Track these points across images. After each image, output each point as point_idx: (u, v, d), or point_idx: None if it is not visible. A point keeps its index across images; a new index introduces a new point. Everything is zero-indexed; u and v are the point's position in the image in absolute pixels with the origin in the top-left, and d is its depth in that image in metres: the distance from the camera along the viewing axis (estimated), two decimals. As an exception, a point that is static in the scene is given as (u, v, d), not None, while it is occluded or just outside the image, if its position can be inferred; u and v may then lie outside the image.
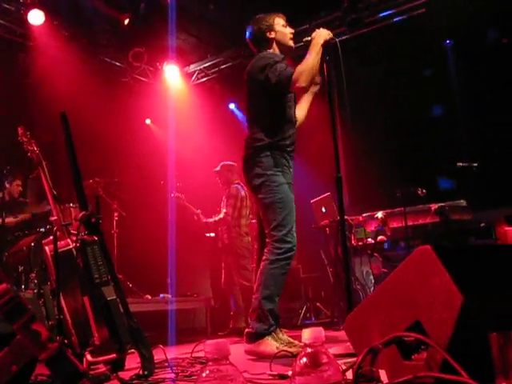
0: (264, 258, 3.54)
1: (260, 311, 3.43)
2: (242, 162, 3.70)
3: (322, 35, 3.51)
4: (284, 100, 3.67)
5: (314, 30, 3.58)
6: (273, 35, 3.73)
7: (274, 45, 3.75)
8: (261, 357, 3.30)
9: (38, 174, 3.44)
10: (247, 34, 3.85)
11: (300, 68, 3.44)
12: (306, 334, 1.24)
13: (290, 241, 3.50)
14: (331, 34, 3.53)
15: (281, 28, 3.76)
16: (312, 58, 3.45)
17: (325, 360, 1.18)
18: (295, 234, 3.56)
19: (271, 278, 3.46)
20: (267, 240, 3.57)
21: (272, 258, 3.48)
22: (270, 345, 3.34)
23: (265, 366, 2.59)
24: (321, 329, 1.23)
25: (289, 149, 3.68)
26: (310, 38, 3.56)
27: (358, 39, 7.51)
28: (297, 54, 3.81)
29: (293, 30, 3.82)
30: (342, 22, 7.38)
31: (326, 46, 3.50)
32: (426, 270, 1.58)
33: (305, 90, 3.63)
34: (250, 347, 3.43)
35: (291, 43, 3.78)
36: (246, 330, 3.51)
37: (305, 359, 1.19)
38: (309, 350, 1.21)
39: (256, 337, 3.41)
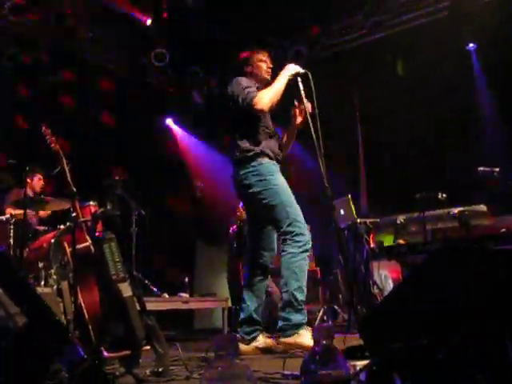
0: (285, 253, 3.70)
1: (295, 303, 3.59)
2: (234, 175, 3.91)
3: (289, 69, 3.88)
4: (257, 117, 3.91)
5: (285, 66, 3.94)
6: (249, 69, 4.12)
7: (251, 75, 4.09)
8: (302, 349, 3.38)
9: (59, 171, 3.48)
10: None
11: (261, 93, 3.80)
12: (316, 331, 1.24)
13: (306, 234, 3.74)
14: (299, 69, 3.88)
15: (258, 63, 4.13)
16: (275, 86, 3.83)
17: (333, 358, 1.17)
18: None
19: (299, 269, 3.65)
20: (283, 237, 3.76)
21: (296, 251, 3.67)
22: (307, 336, 3.47)
23: (279, 365, 2.57)
24: (331, 326, 1.23)
25: (275, 159, 3.92)
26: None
27: (380, 42, 7.47)
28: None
29: (271, 66, 4.15)
30: (363, 25, 7.39)
31: (298, 76, 3.84)
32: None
33: (263, 112, 3.84)
34: (287, 340, 3.55)
35: (266, 76, 4.11)
36: (281, 323, 3.62)
37: (313, 357, 1.19)
38: (318, 347, 1.21)
39: (294, 328, 3.54)
